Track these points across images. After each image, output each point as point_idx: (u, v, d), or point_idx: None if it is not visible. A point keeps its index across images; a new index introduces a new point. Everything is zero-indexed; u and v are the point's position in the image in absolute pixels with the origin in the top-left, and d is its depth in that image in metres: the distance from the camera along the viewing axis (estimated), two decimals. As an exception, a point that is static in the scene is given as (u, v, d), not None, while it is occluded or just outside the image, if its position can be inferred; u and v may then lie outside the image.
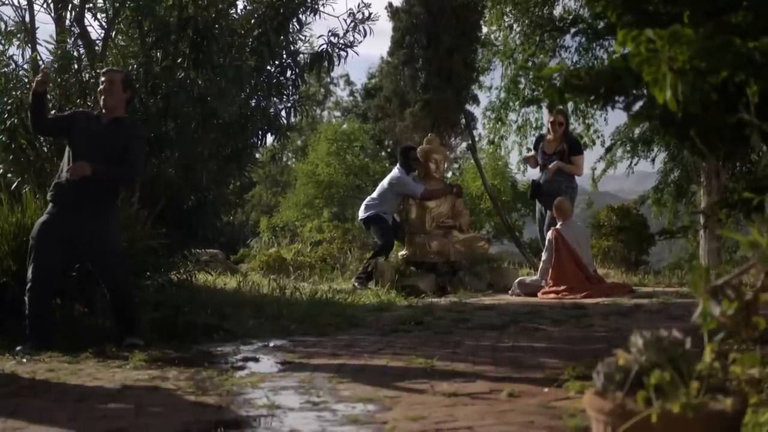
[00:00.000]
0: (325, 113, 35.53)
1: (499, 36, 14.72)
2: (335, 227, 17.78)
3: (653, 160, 14.16)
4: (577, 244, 7.61)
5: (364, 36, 6.79)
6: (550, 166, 8.37)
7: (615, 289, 7.41)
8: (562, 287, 7.35)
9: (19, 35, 6.38)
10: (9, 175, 5.78)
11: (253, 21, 6.67)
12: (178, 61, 6.12)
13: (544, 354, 4.10)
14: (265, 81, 6.72)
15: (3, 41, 6.31)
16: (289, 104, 6.88)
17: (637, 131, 13.43)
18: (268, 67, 6.72)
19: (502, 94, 14.85)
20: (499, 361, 3.85)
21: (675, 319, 5.05)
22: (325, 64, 6.80)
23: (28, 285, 4.36)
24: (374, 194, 9.09)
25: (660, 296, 6.87)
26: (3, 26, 6.34)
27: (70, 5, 6.38)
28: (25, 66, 6.14)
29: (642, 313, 5.87)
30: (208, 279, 7.93)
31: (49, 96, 5.39)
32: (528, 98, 13.51)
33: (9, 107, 5.70)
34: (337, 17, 6.74)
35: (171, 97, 5.82)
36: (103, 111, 4.65)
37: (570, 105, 11.61)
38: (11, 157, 5.82)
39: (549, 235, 7.74)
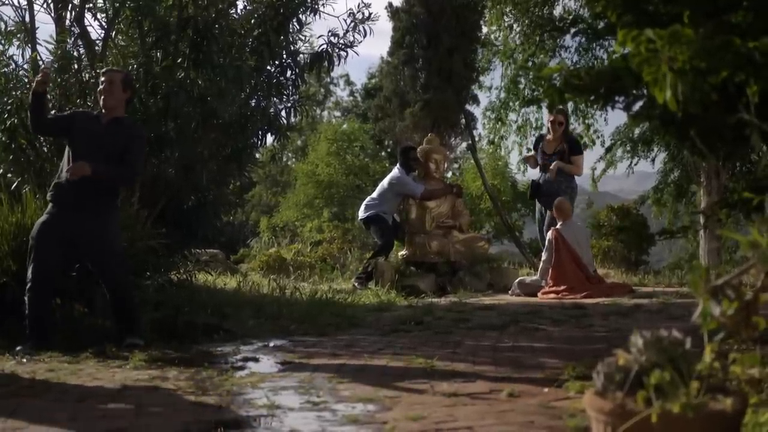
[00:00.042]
0: (325, 113, 35.58)
1: (499, 36, 14.72)
2: (335, 227, 17.78)
3: (653, 160, 14.18)
4: (577, 244, 7.62)
5: (364, 36, 6.79)
6: (551, 167, 8.36)
7: (615, 289, 7.42)
8: (562, 287, 7.35)
9: (19, 35, 6.38)
10: (9, 175, 5.78)
11: (253, 21, 6.67)
12: (178, 61, 6.12)
13: (544, 354, 4.10)
14: (265, 81, 6.72)
15: (3, 41, 6.31)
16: (289, 104, 6.88)
17: (637, 131, 13.44)
18: (268, 67, 6.72)
19: (502, 94, 14.87)
20: (499, 361, 3.85)
21: (675, 319, 5.05)
22: (325, 64, 6.80)
23: (28, 285, 4.37)
24: (374, 194, 9.09)
25: (660, 296, 6.87)
26: (3, 26, 6.34)
27: (70, 5, 6.38)
28: (25, 66, 6.14)
29: (642, 313, 5.87)
30: (208, 279, 7.93)
31: (49, 96, 5.39)
32: (528, 98, 13.52)
33: (9, 107, 5.70)
34: (337, 17, 6.75)
35: (171, 97, 5.82)
36: (103, 111, 4.65)
37: (570, 105, 11.61)
38: (11, 157, 5.82)
39: (549, 235, 7.74)
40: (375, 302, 6.87)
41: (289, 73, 6.82)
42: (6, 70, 6.00)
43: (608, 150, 14.25)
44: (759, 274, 1.75)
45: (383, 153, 25.58)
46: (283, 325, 5.38)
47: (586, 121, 14.54)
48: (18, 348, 4.21)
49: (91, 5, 6.38)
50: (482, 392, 3.07)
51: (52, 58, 6.06)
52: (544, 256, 7.74)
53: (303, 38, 6.88)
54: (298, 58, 6.83)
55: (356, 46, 6.80)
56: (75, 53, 6.23)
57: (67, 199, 4.45)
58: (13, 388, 3.31)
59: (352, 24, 6.74)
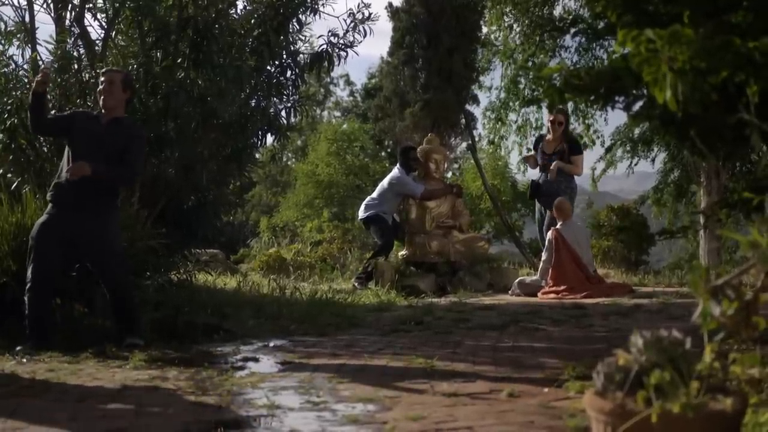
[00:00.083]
0: (325, 113, 35.58)
1: (499, 36, 14.72)
2: (335, 227, 17.77)
3: (653, 160, 14.17)
4: (577, 244, 7.62)
5: (364, 36, 6.79)
6: (551, 167, 8.36)
7: (615, 289, 7.42)
8: (562, 287, 7.35)
9: (19, 35, 6.38)
10: (9, 175, 5.78)
11: (253, 21, 6.67)
12: (178, 61, 6.12)
13: (544, 354, 4.10)
14: (265, 81, 6.72)
15: (3, 41, 6.31)
16: (289, 104, 6.88)
17: (637, 131, 13.44)
18: (268, 67, 6.72)
19: (502, 94, 14.87)
20: (499, 361, 3.85)
21: (675, 319, 5.05)
22: (325, 64, 6.80)
23: (28, 285, 4.37)
24: (374, 194, 9.09)
25: (660, 296, 6.87)
26: (3, 26, 6.34)
27: (70, 5, 6.38)
28: (25, 66, 6.14)
29: (642, 313, 5.87)
30: (208, 279, 7.93)
31: (49, 96, 5.39)
32: (528, 98, 13.52)
33: (9, 107, 5.70)
34: (337, 17, 6.75)
35: (171, 97, 5.82)
36: (103, 111, 4.65)
37: (570, 105, 11.60)
38: (11, 157, 5.82)
39: (549, 235, 7.74)
40: (375, 302, 6.87)
41: (289, 73, 6.82)
42: (6, 70, 6.00)
43: (608, 150, 14.25)
44: (759, 274, 1.75)
45: (383, 153, 25.58)
46: (283, 325, 5.38)
47: (586, 121, 14.54)
48: (18, 348, 4.21)
49: (91, 5, 6.38)
50: (482, 392, 3.07)
51: (52, 58, 6.06)
52: (544, 256, 7.74)
53: (303, 38, 6.90)
54: (298, 58, 6.83)
55: (356, 46, 6.80)
56: (75, 53, 6.23)
57: (67, 199, 4.45)
58: (13, 388, 3.31)
59: (352, 24, 6.74)
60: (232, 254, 15.57)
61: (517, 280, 7.93)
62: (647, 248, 12.97)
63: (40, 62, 6.03)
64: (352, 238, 15.26)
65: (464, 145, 21.42)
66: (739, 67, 2.19)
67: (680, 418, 1.60)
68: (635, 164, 14.33)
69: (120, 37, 6.51)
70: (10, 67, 6.06)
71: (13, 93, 5.77)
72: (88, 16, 6.38)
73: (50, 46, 6.12)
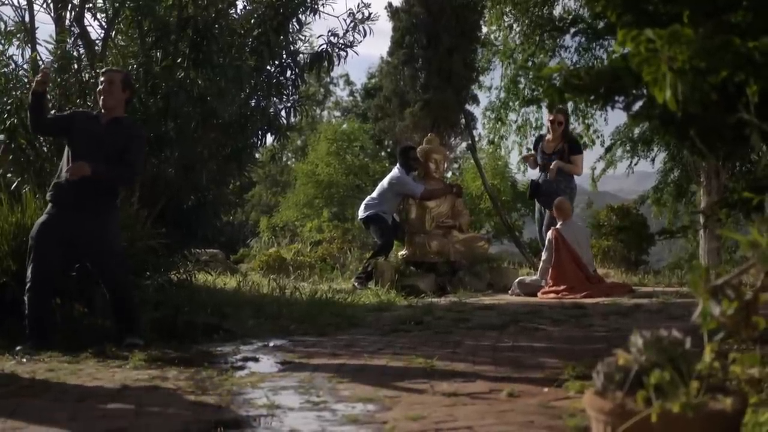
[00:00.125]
0: (325, 113, 35.57)
1: (498, 36, 14.71)
2: (335, 227, 17.79)
3: (653, 160, 14.16)
4: (577, 243, 7.62)
5: (364, 36, 6.79)
6: (551, 167, 8.36)
7: (615, 289, 7.42)
8: (562, 287, 7.35)
9: (18, 35, 6.38)
10: (9, 175, 5.78)
11: (252, 21, 6.67)
12: (178, 60, 6.12)
13: (544, 354, 4.10)
14: (264, 81, 6.72)
15: (3, 41, 6.31)
16: (288, 104, 6.88)
17: (636, 131, 13.43)
18: (268, 67, 6.72)
19: (502, 94, 14.85)
20: (498, 361, 3.85)
21: (675, 318, 5.05)
22: (325, 64, 6.80)
23: (28, 285, 4.37)
24: (374, 194, 9.09)
25: (660, 296, 6.87)
26: (3, 26, 6.34)
27: (69, 5, 6.38)
28: (25, 66, 6.14)
29: (642, 312, 5.87)
30: (207, 279, 7.93)
31: (48, 96, 5.39)
32: (528, 98, 13.51)
33: (9, 107, 5.71)
34: (337, 17, 6.75)
35: (171, 97, 5.82)
36: (103, 111, 4.65)
37: (570, 105, 11.59)
38: (11, 157, 5.82)
39: (549, 234, 7.74)
40: (375, 302, 6.87)
41: (288, 73, 6.82)
42: (6, 70, 5.99)
43: (608, 150, 14.24)
44: (759, 274, 1.75)
45: (383, 153, 25.58)
46: (282, 325, 5.38)
47: (586, 121, 14.54)
48: (18, 348, 4.21)
49: (90, 5, 6.37)
50: (482, 392, 3.07)
51: (51, 58, 6.06)
52: (544, 255, 7.74)
53: (303, 38, 6.90)
54: (298, 58, 6.83)
55: (356, 46, 6.81)
56: (75, 53, 6.23)
57: (66, 199, 4.45)
58: (13, 388, 3.31)
59: (352, 24, 6.75)
60: (231, 254, 15.58)
61: (516, 280, 7.93)
62: (647, 248, 12.97)
63: (40, 62, 6.03)
64: (352, 238, 15.26)
65: (464, 144, 21.44)
66: (738, 66, 2.19)
67: (680, 418, 1.60)
68: (635, 164, 14.33)
69: (120, 37, 6.51)
70: (10, 66, 6.06)
71: (13, 93, 5.77)
72: (87, 15, 6.39)
73: (50, 46, 6.13)
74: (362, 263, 9.36)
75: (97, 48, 6.31)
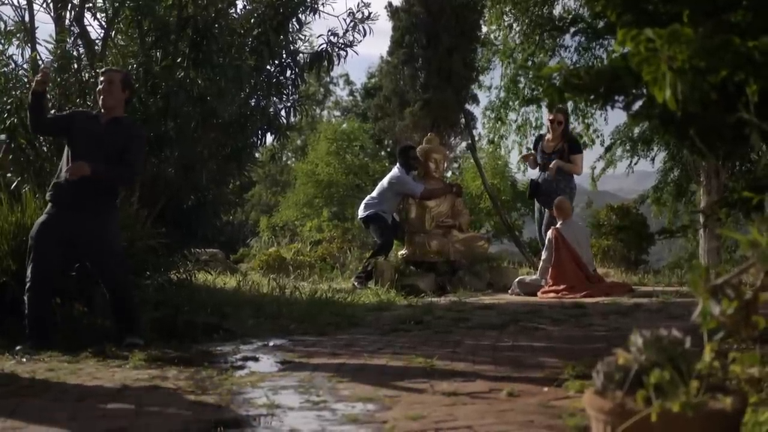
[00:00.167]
0: (325, 113, 35.56)
1: (498, 35, 14.70)
2: (335, 227, 17.80)
3: (653, 160, 14.15)
4: (577, 243, 7.62)
5: (364, 35, 6.79)
6: (550, 166, 8.36)
7: (615, 289, 7.42)
8: (562, 286, 7.35)
9: (18, 35, 6.38)
10: (9, 174, 5.78)
11: (252, 20, 6.67)
12: (178, 60, 6.12)
13: (544, 353, 4.10)
14: (264, 80, 6.72)
15: (3, 41, 6.31)
16: (288, 104, 6.88)
17: (636, 130, 13.41)
18: (268, 67, 6.72)
19: (502, 94, 14.84)
20: (498, 361, 3.85)
21: (674, 318, 5.06)
22: (325, 63, 6.80)
23: (28, 285, 4.37)
24: (374, 193, 9.09)
25: (660, 295, 6.87)
26: (3, 26, 6.34)
27: (69, 5, 6.38)
28: (25, 66, 6.14)
29: (641, 312, 5.87)
30: (207, 278, 7.93)
31: (48, 96, 5.39)
32: (528, 98, 13.49)
33: (9, 107, 5.71)
34: (337, 17, 6.75)
35: (171, 97, 5.82)
36: (102, 111, 4.65)
37: (570, 104, 11.58)
38: (11, 156, 5.82)
39: (549, 234, 7.74)
40: (374, 301, 6.87)
41: (288, 72, 6.82)
42: (5, 69, 5.99)
43: (608, 149, 14.23)
44: (758, 274, 1.75)
45: (383, 152, 25.58)
46: (282, 325, 5.38)
47: (586, 121, 14.53)
48: (18, 347, 4.21)
49: (90, 5, 6.37)
50: (482, 391, 3.07)
51: (51, 57, 6.06)
52: (543, 255, 7.74)
53: (303, 38, 6.90)
54: (298, 58, 6.83)
55: (356, 45, 6.80)
56: (74, 53, 6.22)
57: (66, 198, 4.45)
58: (13, 388, 3.31)
59: (352, 23, 6.74)
60: (231, 254, 15.57)
61: (516, 280, 7.93)
62: (647, 247, 12.97)
63: (40, 62, 6.03)
64: (352, 238, 15.27)
65: (464, 144, 21.45)
66: (738, 66, 2.19)
67: (680, 417, 1.60)
68: (635, 163, 14.32)
69: (120, 37, 6.51)
70: (10, 66, 6.06)
71: (13, 92, 5.77)
72: (87, 15, 6.39)
73: (50, 46, 6.13)
74: (362, 263, 9.36)
75: (96, 48, 6.31)
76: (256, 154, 7.45)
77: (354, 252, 12.35)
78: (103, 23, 6.37)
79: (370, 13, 6.76)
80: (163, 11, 6.08)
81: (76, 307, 5.11)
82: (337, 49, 6.77)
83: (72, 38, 6.27)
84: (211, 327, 4.98)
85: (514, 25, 13.86)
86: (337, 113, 35.39)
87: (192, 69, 6.05)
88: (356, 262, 10.95)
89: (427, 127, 17.65)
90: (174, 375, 3.59)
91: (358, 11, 6.73)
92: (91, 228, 4.44)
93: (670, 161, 13.99)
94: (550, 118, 8.57)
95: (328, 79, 33.69)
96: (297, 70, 6.82)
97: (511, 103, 14.69)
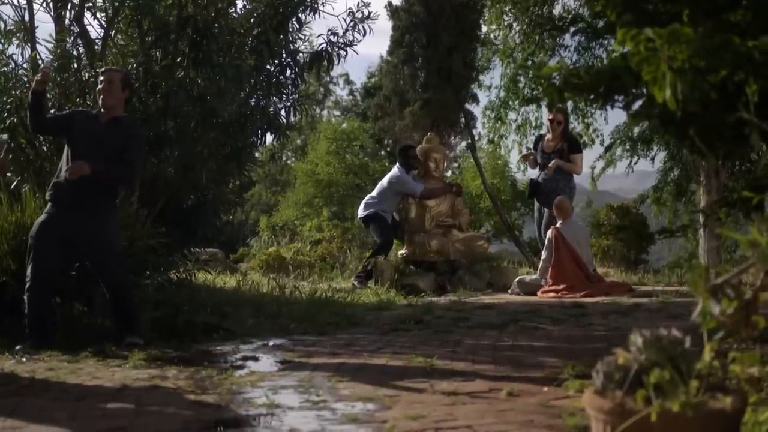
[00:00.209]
0: (325, 112, 35.55)
1: (498, 35, 14.69)
2: (335, 226, 17.80)
3: (653, 159, 14.14)
4: (577, 243, 7.61)
5: (364, 35, 6.79)
6: (550, 165, 8.36)
7: (614, 288, 7.42)
8: (562, 286, 7.35)
9: (18, 34, 6.38)
10: (8, 174, 5.78)
11: (252, 20, 6.67)
12: (178, 60, 6.12)
13: (544, 353, 4.10)
14: (264, 80, 6.72)
15: (2, 40, 6.30)
16: (288, 103, 6.88)
17: (636, 130, 13.41)
18: (268, 66, 6.73)
19: (502, 93, 14.83)
20: (498, 360, 3.85)
21: (674, 318, 5.05)
22: (325, 63, 6.80)
23: (28, 284, 4.37)
24: (374, 193, 9.09)
25: (659, 295, 6.86)
26: (2, 25, 6.34)
27: (69, 4, 6.38)
28: (25, 65, 6.14)
29: (641, 312, 5.87)
30: (207, 278, 7.93)
31: (48, 95, 5.39)
32: (527, 97, 13.48)
33: (8, 106, 5.71)
34: (337, 16, 6.75)
35: (170, 96, 5.82)
36: (102, 110, 4.65)
37: (569, 104, 11.58)
38: (11, 156, 5.82)
39: (549, 233, 7.73)
40: (374, 301, 6.87)
41: (288, 72, 6.82)
42: (5, 69, 6.00)
43: (608, 149, 14.22)
44: (758, 273, 1.75)
45: (383, 152, 25.58)
46: (282, 324, 5.38)
47: (586, 120, 14.51)
48: (17, 347, 4.21)
49: (90, 4, 6.37)
50: (482, 391, 3.07)
51: (51, 57, 6.06)
52: (543, 254, 7.74)
53: (302, 37, 6.90)
54: (298, 57, 6.83)
55: (356, 45, 6.81)
56: (74, 52, 6.23)
57: (66, 198, 4.45)
58: (13, 388, 3.31)
59: (352, 23, 6.75)
60: (231, 253, 15.58)
61: (516, 279, 7.93)
62: (647, 247, 12.97)
63: (40, 61, 6.02)
64: (352, 237, 15.27)
65: (464, 144, 21.47)
66: (738, 66, 2.18)
67: (680, 417, 1.60)
68: (635, 163, 14.31)
69: (119, 36, 6.51)
70: (10, 66, 6.06)
71: (13, 92, 5.77)
72: (87, 15, 6.39)
73: (50, 45, 6.13)
74: (362, 262, 9.35)
75: (96, 47, 6.31)
76: (256, 154, 7.46)
77: (354, 251, 12.35)
78: (103, 23, 6.37)
79: (369, 13, 6.77)
80: (162, 11, 6.08)
81: (76, 306, 5.11)
82: (337, 49, 6.77)
83: (72, 38, 6.27)
84: (210, 326, 4.98)
85: (514, 25, 13.85)
86: (337, 113, 35.41)
87: (192, 68, 6.05)
88: (356, 261, 10.95)
89: (427, 126, 17.65)
90: (174, 374, 3.59)
91: (357, 11, 6.74)
92: (90, 227, 4.44)
93: (670, 161, 13.99)
94: (550, 117, 8.57)
95: (327, 79, 33.71)
96: (297, 69, 6.82)
97: (511, 102, 14.68)
